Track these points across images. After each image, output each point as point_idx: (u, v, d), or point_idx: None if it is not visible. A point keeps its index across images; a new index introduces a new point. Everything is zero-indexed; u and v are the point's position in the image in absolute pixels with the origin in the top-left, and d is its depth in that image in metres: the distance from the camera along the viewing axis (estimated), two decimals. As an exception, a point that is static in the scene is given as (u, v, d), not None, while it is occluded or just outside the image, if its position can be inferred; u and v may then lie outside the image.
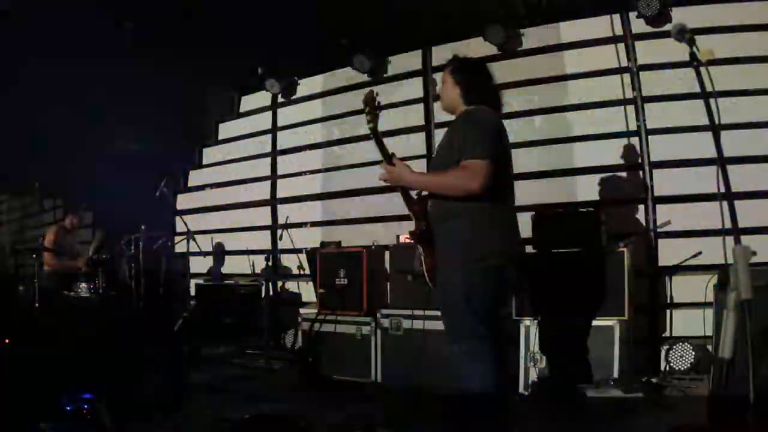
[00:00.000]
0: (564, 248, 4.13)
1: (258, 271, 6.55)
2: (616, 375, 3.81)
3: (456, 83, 2.89)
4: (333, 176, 6.42)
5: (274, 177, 6.88)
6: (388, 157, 2.89)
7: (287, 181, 6.79)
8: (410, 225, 2.96)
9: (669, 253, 4.64)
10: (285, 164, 6.85)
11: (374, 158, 3.10)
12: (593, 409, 3.61)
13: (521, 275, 2.88)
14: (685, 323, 4.48)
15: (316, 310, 4.97)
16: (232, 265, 7.05)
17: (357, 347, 4.69)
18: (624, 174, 4.87)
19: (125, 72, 5.53)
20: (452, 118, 2.98)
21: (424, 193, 2.94)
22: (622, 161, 4.86)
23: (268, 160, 6.94)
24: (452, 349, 2.76)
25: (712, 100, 2.09)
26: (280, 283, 6.44)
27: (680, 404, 3.66)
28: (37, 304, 4.80)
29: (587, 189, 4.91)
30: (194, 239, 6.21)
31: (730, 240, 1.97)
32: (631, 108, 4.84)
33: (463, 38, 5.37)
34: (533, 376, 4.04)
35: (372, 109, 2.94)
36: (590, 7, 4.97)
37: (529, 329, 4.08)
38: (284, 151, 6.85)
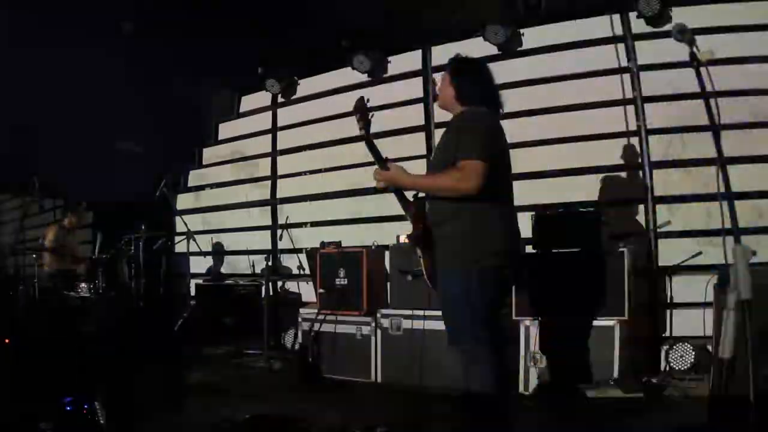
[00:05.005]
0: (564, 248, 4.13)
1: (258, 271, 6.54)
2: (616, 375, 3.81)
3: (452, 83, 2.88)
4: (333, 176, 6.41)
5: (274, 177, 6.88)
6: (381, 162, 2.87)
7: (287, 181, 6.79)
8: (410, 225, 2.95)
9: (669, 253, 4.64)
10: (285, 164, 6.85)
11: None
12: (593, 409, 3.61)
13: (520, 275, 2.86)
14: (685, 323, 4.48)
15: (316, 310, 4.96)
16: (232, 265, 7.05)
17: (357, 347, 4.68)
18: (624, 174, 4.87)
19: (125, 71, 5.54)
20: (451, 117, 2.98)
21: (421, 195, 2.93)
22: (622, 161, 4.86)
23: (268, 160, 6.94)
24: (452, 350, 2.76)
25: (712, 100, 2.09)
26: (280, 283, 6.44)
27: (680, 404, 3.66)
28: (37, 304, 4.80)
29: (587, 189, 4.91)
30: (194, 239, 6.21)
31: (730, 240, 1.97)
32: (631, 108, 4.84)
33: (463, 38, 5.37)
34: (533, 376, 4.04)
35: (363, 115, 2.92)
36: (590, 7, 4.96)
37: (529, 329, 4.07)
38: (284, 151, 6.85)
